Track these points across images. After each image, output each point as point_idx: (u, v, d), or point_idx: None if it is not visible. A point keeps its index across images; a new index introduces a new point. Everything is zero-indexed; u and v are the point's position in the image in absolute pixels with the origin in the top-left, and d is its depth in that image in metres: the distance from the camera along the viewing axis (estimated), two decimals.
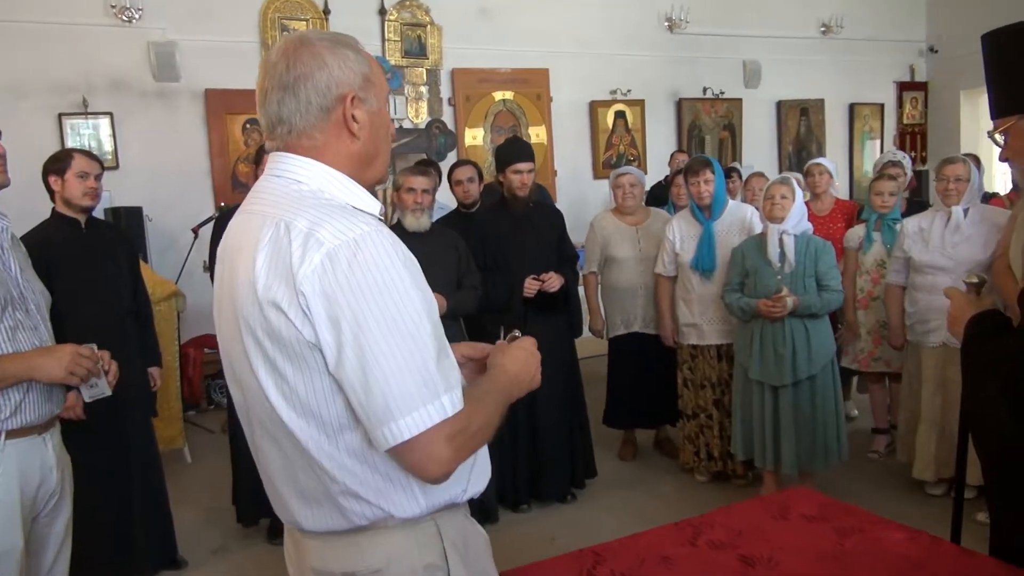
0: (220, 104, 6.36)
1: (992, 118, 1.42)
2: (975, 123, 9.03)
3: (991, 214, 3.44)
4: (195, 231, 5.69)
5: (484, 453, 1.25)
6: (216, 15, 6.33)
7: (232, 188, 6.38)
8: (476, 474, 1.24)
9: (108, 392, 2.43)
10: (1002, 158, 1.49)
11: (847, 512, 1.55)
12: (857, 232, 4.20)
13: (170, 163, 6.20)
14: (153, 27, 6.12)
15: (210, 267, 3.65)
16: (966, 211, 3.42)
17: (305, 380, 1.09)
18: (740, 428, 3.67)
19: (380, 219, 1.17)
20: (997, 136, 1.42)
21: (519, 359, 1.25)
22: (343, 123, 1.19)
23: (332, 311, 1.05)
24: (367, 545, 1.15)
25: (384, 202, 5.01)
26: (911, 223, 3.63)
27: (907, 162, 5.11)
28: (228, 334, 1.18)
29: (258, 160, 3.52)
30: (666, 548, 1.44)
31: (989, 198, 4.44)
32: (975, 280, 1.58)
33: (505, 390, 1.21)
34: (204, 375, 6.04)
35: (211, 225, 5.77)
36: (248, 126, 6.49)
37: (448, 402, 1.07)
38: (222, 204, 5.56)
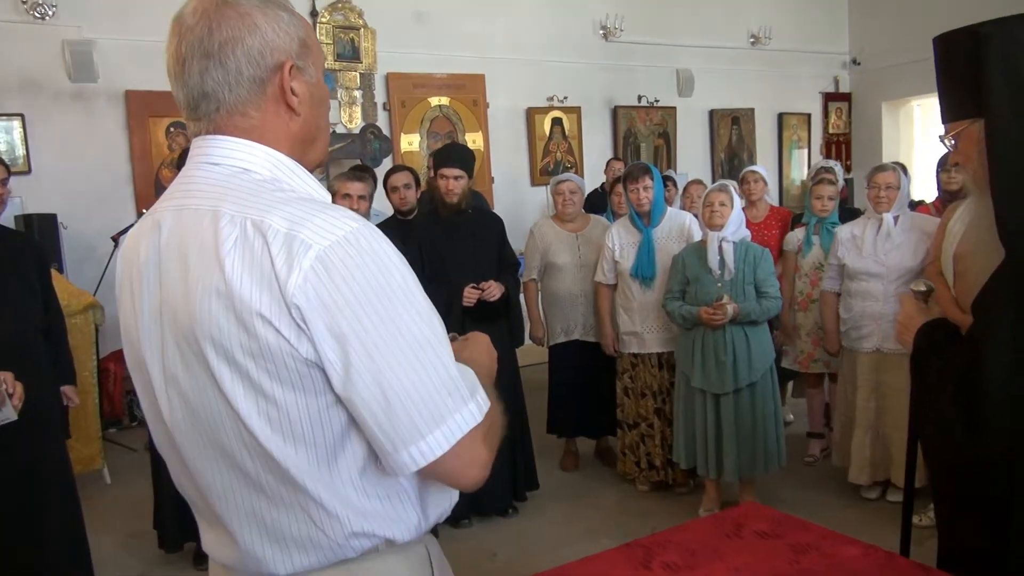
0: (142, 106, 6.08)
1: (943, 122, 1.41)
2: (896, 133, 9.39)
3: (920, 221, 3.53)
4: (115, 239, 5.41)
5: None
6: (137, 14, 6.03)
7: (155, 194, 6.09)
8: (454, 492, 1.12)
9: (13, 417, 2.25)
10: (952, 162, 1.48)
11: (801, 527, 1.51)
12: (796, 235, 4.27)
13: (87, 168, 5.89)
14: (68, 25, 5.81)
15: None
16: (896, 218, 3.49)
17: (299, 401, 0.93)
18: (683, 436, 3.66)
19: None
20: (947, 140, 1.41)
21: (484, 352, 1.15)
22: (280, 97, 1.01)
23: (334, 324, 0.89)
24: (359, 572, 1.01)
25: None
26: (844, 231, 3.69)
27: (839, 170, 5.24)
28: (163, 353, 1.00)
29: (180, 164, 3.33)
30: (618, 572, 1.37)
31: (915, 206, 4.57)
32: (923, 288, 1.58)
33: (488, 381, 1.09)
34: (126, 390, 5.75)
35: None
36: (172, 129, 6.23)
37: (476, 407, 0.96)
38: (144, 211, 5.27)
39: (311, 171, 1.07)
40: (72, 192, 5.77)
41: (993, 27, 1.33)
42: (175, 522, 3.27)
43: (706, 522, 1.60)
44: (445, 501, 1.09)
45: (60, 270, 5.20)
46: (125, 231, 5.42)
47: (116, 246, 5.39)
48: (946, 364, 1.37)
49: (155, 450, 3.32)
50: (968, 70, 1.32)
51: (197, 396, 0.97)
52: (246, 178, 0.99)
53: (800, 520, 1.56)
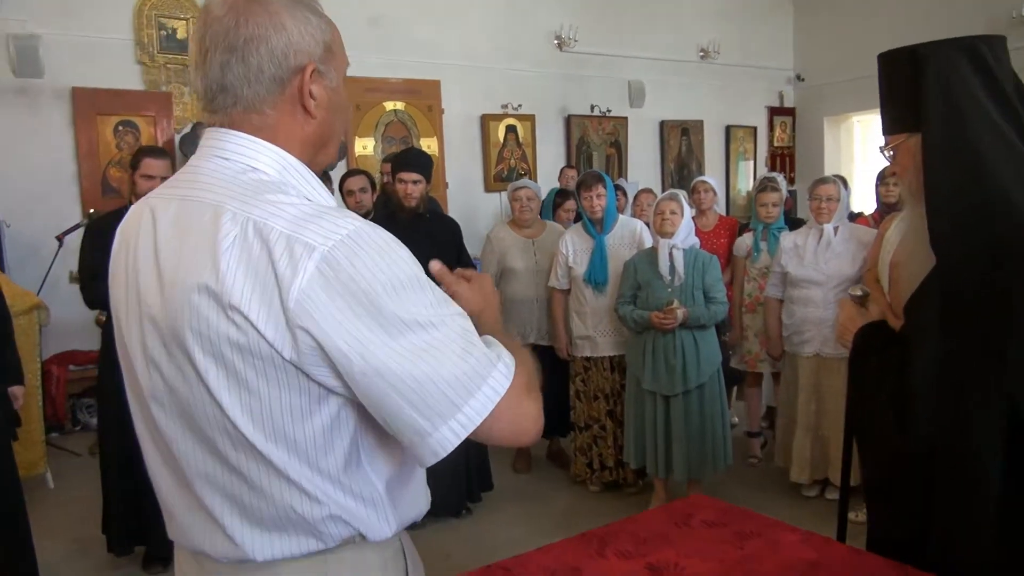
0: (89, 104, 5.95)
1: (883, 135, 1.52)
2: (837, 147, 9.75)
3: (858, 232, 3.70)
4: (60, 239, 5.29)
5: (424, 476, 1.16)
6: (85, 9, 5.93)
7: (102, 193, 5.98)
8: (427, 494, 1.16)
9: None
10: (890, 172, 1.59)
11: (745, 517, 1.60)
12: (745, 241, 4.42)
13: (31, 166, 5.74)
14: (12, 19, 5.66)
15: (82, 277, 3.38)
16: (836, 229, 3.66)
17: (283, 398, 0.95)
18: (633, 437, 3.76)
19: None
20: (887, 152, 1.52)
21: (489, 296, 1.18)
22: (298, 99, 1.01)
23: (347, 321, 0.90)
24: (335, 563, 1.03)
25: None
26: (787, 240, 3.85)
27: (782, 182, 5.43)
28: (156, 340, 1.00)
29: (135, 165, 3.30)
30: (574, 559, 1.43)
31: (855, 217, 4.77)
32: (860, 293, 1.68)
33: (498, 326, 1.13)
34: (69, 394, 5.61)
35: (79, 233, 5.41)
36: (120, 128, 6.11)
37: (504, 369, 0.96)
38: (91, 211, 5.18)
39: (324, 168, 1.08)
40: (15, 190, 5.61)
41: (930, 49, 1.44)
42: (124, 525, 3.23)
43: (657, 513, 1.67)
44: (420, 503, 1.12)
45: (2, 269, 5.07)
46: (71, 230, 5.31)
47: (60, 246, 5.27)
48: (881, 364, 1.47)
49: (105, 453, 3.29)
50: (907, 87, 1.42)
51: (178, 384, 0.98)
52: (253, 176, 0.99)
53: (745, 510, 1.65)
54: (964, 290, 1.32)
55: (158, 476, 1.09)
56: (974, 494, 1.32)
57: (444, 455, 0.96)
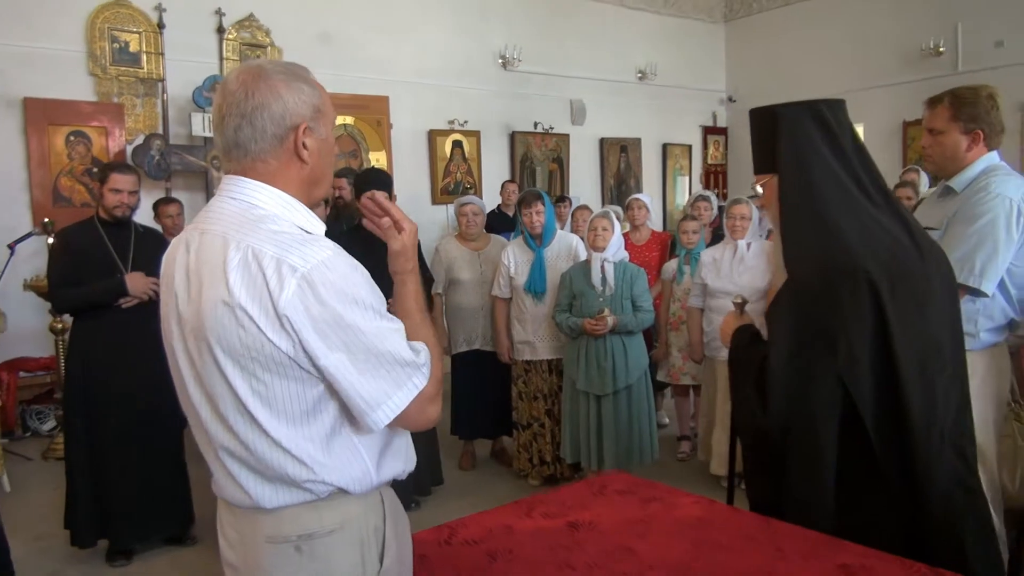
0: (40, 114, 6.03)
1: (754, 173, 1.87)
2: None
3: (769, 249, 4.10)
4: (11, 247, 5.36)
5: (410, 440, 1.47)
6: (38, 20, 6.03)
7: (53, 202, 6.06)
8: (411, 456, 1.46)
9: None
10: (758, 204, 1.95)
11: (650, 486, 1.93)
12: (671, 265, 4.80)
13: None
14: None
15: (51, 284, 3.53)
16: (749, 245, 4.06)
17: (278, 383, 1.25)
18: (569, 434, 4.09)
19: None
20: (758, 187, 1.87)
21: (410, 254, 1.48)
22: (294, 150, 1.32)
23: (318, 325, 1.21)
24: (325, 510, 1.32)
25: None
26: (707, 255, 4.24)
27: (714, 199, 5.84)
28: (191, 343, 1.29)
29: (103, 180, 3.50)
30: (507, 520, 1.74)
31: (771, 234, 5.21)
32: (739, 300, 2.04)
33: (415, 283, 1.46)
34: (18, 400, 5.67)
35: (31, 241, 5.49)
36: (72, 138, 6.19)
37: (423, 369, 1.31)
38: (45, 220, 5.27)
39: (319, 201, 1.41)
40: None
41: (783, 109, 1.80)
42: (89, 519, 3.40)
43: (579, 486, 1.99)
44: (399, 464, 1.43)
45: None
46: (23, 239, 5.38)
47: (12, 254, 5.35)
48: (749, 359, 1.82)
49: (70, 451, 3.45)
50: (767, 138, 1.78)
51: (207, 377, 1.29)
52: (253, 212, 1.30)
53: (651, 482, 1.98)
54: (806, 298, 1.69)
55: (204, 446, 1.38)
56: (816, 458, 1.67)
57: (379, 429, 1.31)
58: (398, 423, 1.32)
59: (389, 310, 1.35)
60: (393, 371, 1.28)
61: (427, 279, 3.96)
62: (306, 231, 1.31)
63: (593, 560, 1.54)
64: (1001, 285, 2.30)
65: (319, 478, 1.30)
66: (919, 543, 1.70)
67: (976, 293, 2.25)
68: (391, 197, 4.12)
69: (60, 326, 5.10)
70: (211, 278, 1.26)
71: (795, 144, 1.72)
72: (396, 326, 1.32)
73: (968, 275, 2.23)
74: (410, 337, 1.33)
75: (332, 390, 1.29)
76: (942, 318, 1.74)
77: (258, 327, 1.22)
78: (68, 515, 3.50)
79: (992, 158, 2.36)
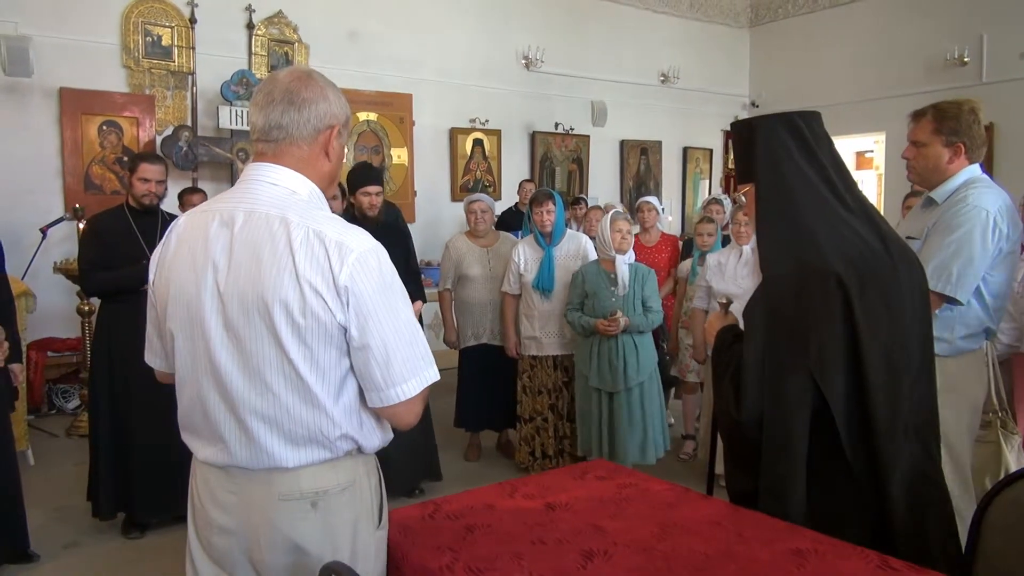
0: (75, 104, 6.26)
1: (737, 183, 1.96)
2: None
3: None
4: (44, 231, 5.58)
5: None
6: (75, 14, 6.25)
7: (85, 189, 6.28)
8: (389, 428, 1.61)
9: None
10: (744, 213, 2.04)
11: (629, 474, 2.03)
12: (686, 265, 4.90)
13: (17, 161, 6.02)
14: (5, 20, 5.96)
15: (82, 268, 3.70)
16: (754, 249, 4.13)
17: (325, 349, 1.41)
18: (581, 428, 4.20)
19: None
20: (742, 196, 1.96)
21: None
22: (323, 146, 1.51)
23: (363, 301, 1.39)
24: (340, 468, 1.49)
25: None
26: (712, 258, 4.32)
27: (727, 202, 5.91)
28: (236, 309, 1.41)
29: (132, 168, 3.67)
30: (489, 499, 1.85)
31: None
32: (724, 300, 2.13)
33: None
34: (45, 379, 5.89)
35: (62, 226, 5.71)
36: (104, 128, 6.41)
37: (433, 372, 1.48)
38: (76, 206, 5.47)
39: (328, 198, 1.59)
40: (1, 183, 5.89)
41: (760, 121, 1.89)
42: (111, 491, 3.57)
43: (561, 471, 2.10)
44: (389, 431, 1.59)
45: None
46: (55, 223, 5.62)
47: (44, 237, 5.57)
48: (729, 356, 1.91)
49: (95, 427, 3.63)
50: (746, 148, 1.88)
51: (254, 342, 1.41)
52: (296, 198, 1.47)
53: (631, 470, 2.08)
54: (780, 299, 1.78)
55: (216, 411, 1.47)
56: (787, 449, 1.76)
57: (383, 404, 1.45)
58: (394, 409, 1.46)
59: None
60: (418, 358, 1.45)
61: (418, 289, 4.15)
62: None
63: (563, 536, 1.64)
64: (977, 294, 2.37)
65: (345, 433, 1.46)
66: (886, 533, 1.79)
67: (952, 301, 2.32)
68: (382, 190, 4.27)
69: (87, 308, 5.30)
70: (273, 253, 1.40)
71: (771, 153, 1.81)
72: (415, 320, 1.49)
73: (944, 284, 2.30)
74: None
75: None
76: (911, 318, 1.81)
77: (322, 298, 1.38)
78: (91, 487, 3.68)
79: (973, 170, 2.43)
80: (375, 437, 1.53)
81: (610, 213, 4.26)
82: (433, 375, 1.48)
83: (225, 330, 1.44)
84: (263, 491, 1.46)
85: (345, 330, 1.41)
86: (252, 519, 1.47)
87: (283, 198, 1.46)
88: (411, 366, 1.43)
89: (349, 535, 1.50)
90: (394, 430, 1.58)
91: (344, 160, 1.64)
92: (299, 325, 1.39)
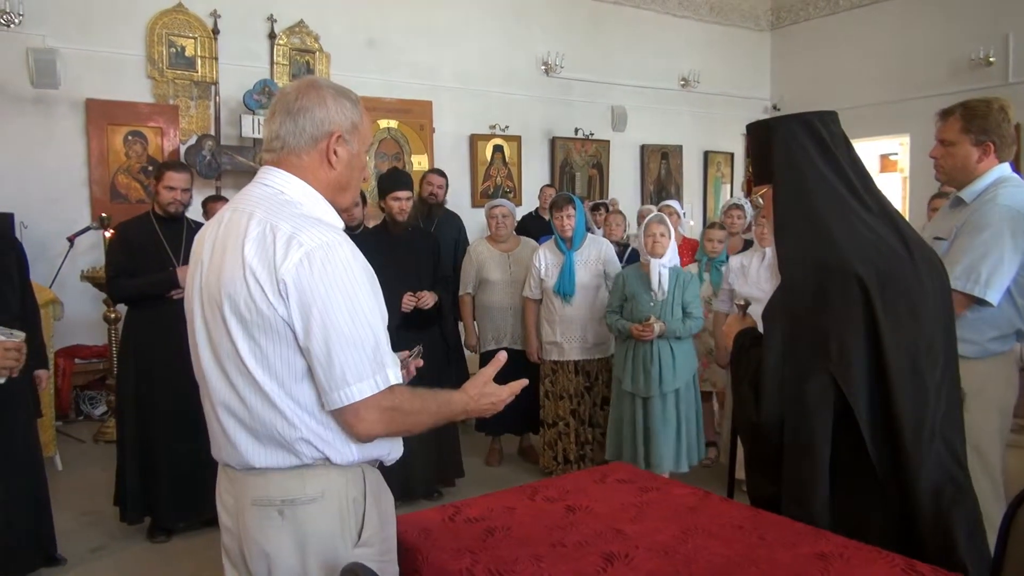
0: (101, 115, 6.36)
1: (753, 185, 1.95)
2: None
3: None
4: (71, 240, 5.67)
5: None
6: (101, 26, 6.36)
7: (111, 199, 6.37)
8: (397, 443, 1.58)
9: (1, 381, 2.54)
10: (762, 215, 2.02)
11: (650, 478, 2.01)
12: (690, 271, 4.85)
13: (45, 171, 6.13)
14: (33, 33, 6.07)
15: (109, 274, 3.76)
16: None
17: (273, 346, 1.39)
18: (611, 434, 4.18)
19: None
20: (759, 199, 1.95)
21: (486, 397, 1.58)
22: (325, 153, 1.49)
23: (304, 297, 1.35)
24: (309, 477, 1.44)
25: None
26: (735, 260, 4.28)
27: (748, 206, 5.86)
28: (207, 303, 1.44)
29: (158, 177, 3.73)
30: (511, 502, 1.84)
31: None
32: (741, 303, 2.12)
33: (456, 411, 1.54)
34: (73, 385, 5.98)
35: (90, 234, 5.79)
36: (130, 138, 6.50)
37: (391, 375, 1.41)
38: (103, 215, 5.56)
39: (344, 208, 1.56)
40: (29, 193, 5.99)
41: (777, 122, 1.87)
42: (137, 496, 3.61)
43: (582, 474, 2.09)
44: (383, 447, 1.54)
45: (26, 267, 5.41)
46: (81, 232, 5.70)
47: (71, 246, 5.66)
48: (748, 360, 1.90)
49: (122, 434, 3.67)
50: (763, 150, 1.86)
51: (217, 336, 1.44)
52: (280, 197, 1.47)
53: (651, 474, 2.07)
54: (799, 300, 1.76)
55: (207, 406, 1.52)
56: (810, 452, 1.74)
57: (333, 409, 1.40)
58: (342, 413, 1.40)
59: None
60: (365, 362, 1.38)
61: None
62: (323, 220, 1.47)
63: (584, 539, 1.63)
64: (1008, 295, 2.32)
65: (305, 438, 1.42)
66: (911, 536, 1.76)
67: (981, 303, 2.28)
68: (412, 195, 4.28)
69: (114, 316, 5.38)
70: (232, 247, 1.41)
71: (788, 154, 1.80)
72: (380, 325, 1.43)
73: (973, 285, 2.26)
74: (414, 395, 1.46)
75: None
76: (934, 319, 1.79)
77: (262, 289, 1.36)
78: (117, 493, 3.72)
79: (1003, 169, 2.39)
80: (348, 449, 1.46)
81: (648, 216, 4.24)
82: (383, 381, 1.39)
83: (203, 325, 1.47)
84: (243, 493, 1.48)
85: (291, 329, 1.38)
86: (239, 521, 1.50)
87: (266, 197, 1.47)
88: (356, 370, 1.37)
89: (318, 550, 1.44)
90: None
91: (364, 169, 1.60)
92: (245, 318, 1.39)
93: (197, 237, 1.56)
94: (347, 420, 1.41)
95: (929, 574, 1.46)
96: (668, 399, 4.01)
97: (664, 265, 4.05)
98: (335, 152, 1.50)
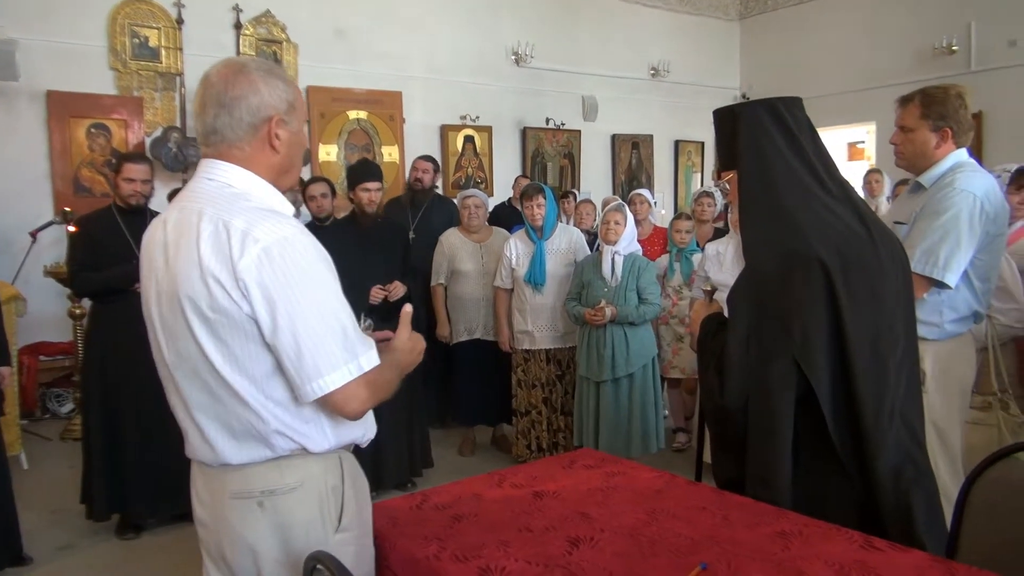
0: (63, 107, 6.24)
1: (719, 171, 1.96)
2: None
3: None
4: (33, 235, 5.55)
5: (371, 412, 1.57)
6: (61, 16, 6.22)
7: (75, 192, 6.26)
8: (370, 424, 1.57)
9: None
10: (727, 199, 2.03)
11: (615, 462, 2.03)
12: (662, 261, 4.89)
13: (5, 164, 6.00)
14: None
15: (71, 269, 3.69)
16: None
17: (241, 344, 1.37)
18: (576, 417, 4.22)
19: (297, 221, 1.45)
20: (726, 185, 1.96)
21: (410, 349, 1.58)
22: (267, 139, 1.45)
23: (268, 294, 1.33)
24: (286, 468, 1.44)
25: None
26: (711, 247, 4.32)
27: (718, 195, 5.91)
28: (166, 306, 1.41)
29: (117, 169, 3.66)
30: (479, 489, 1.85)
31: None
32: (708, 288, 2.13)
33: (404, 365, 1.55)
34: (39, 383, 5.88)
35: (52, 229, 5.68)
36: (93, 130, 6.39)
37: (365, 361, 1.40)
38: (65, 209, 5.44)
39: (287, 189, 1.53)
40: None
41: (742, 107, 1.89)
42: (104, 493, 3.56)
43: (549, 460, 2.10)
44: (357, 431, 1.54)
45: None
46: (44, 227, 5.57)
47: (33, 242, 5.54)
48: (714, 344, 1.92)
49: (89, 430, 3.62)
50: (729, 134, 1.88)
51: (181, 339, 1.41)
52: (227, 191, 1.43)
53: (617, 458, 2.09)
54: (763, 284, 1.78)
55: (178, 408, 1.49)
56: (772, 433, 1.76)
57: (309, 401, 1.40)
58: (328, 400, 1.39)
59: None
60: (336, 351, 1.37)
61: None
62: (275, 211, 1.43)
63: (550, 523, 1.64)
64: (965, 277, 2.37)
65: (280, 431, 1.41)
66: (872, 515, 1.79)
67: (940, 285, 2.33)
68: (382, 186, 4.25)
69: (78, 311, 5.29)
70: (186, 247, 1.38)
71: (753, 139, 1.81)
72: (345, 311, 1.41)
73: (932, 268, 2.30)
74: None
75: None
76: (895, 301, 1.82)
77: (224, 289, 1.34)
78: (84, 490, 3.67)
79: (960, 155, 2.43)
80: (324, 437, 1.46)
81: (608, 206, 4.28)
82: (357, 368, 1.39)
83: (164, 329, 1.44)
84: (220, 488, 1.46)
85: (257, 325, 1.35)
86: (216, 515, 1.48)
87: (212, 192, 1.43)
88: (328, 360, 1.36)
89: (301, 537, 1.45)
90: (378, 423, 1.57)
91: (305, 145, 1.57)
92: (209, 319, 1.36)
93: (145, 239, 1.51)
94: (335, 405, 1.41)
95: (886, 549, 1.49)
96: (621, 384, 4.05)
97: (618, 252, 4.10)
98: (277, 136, 1.46)
